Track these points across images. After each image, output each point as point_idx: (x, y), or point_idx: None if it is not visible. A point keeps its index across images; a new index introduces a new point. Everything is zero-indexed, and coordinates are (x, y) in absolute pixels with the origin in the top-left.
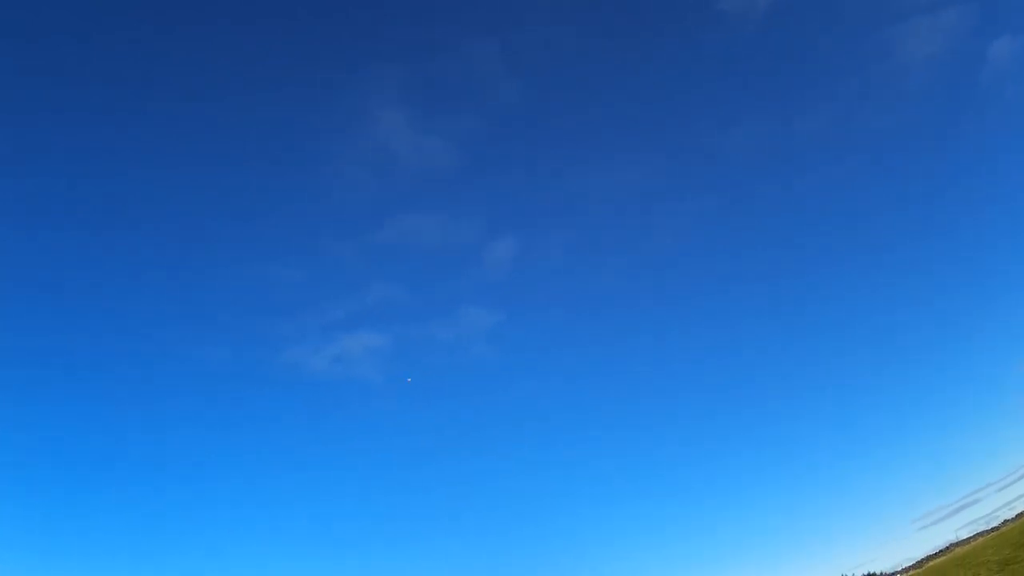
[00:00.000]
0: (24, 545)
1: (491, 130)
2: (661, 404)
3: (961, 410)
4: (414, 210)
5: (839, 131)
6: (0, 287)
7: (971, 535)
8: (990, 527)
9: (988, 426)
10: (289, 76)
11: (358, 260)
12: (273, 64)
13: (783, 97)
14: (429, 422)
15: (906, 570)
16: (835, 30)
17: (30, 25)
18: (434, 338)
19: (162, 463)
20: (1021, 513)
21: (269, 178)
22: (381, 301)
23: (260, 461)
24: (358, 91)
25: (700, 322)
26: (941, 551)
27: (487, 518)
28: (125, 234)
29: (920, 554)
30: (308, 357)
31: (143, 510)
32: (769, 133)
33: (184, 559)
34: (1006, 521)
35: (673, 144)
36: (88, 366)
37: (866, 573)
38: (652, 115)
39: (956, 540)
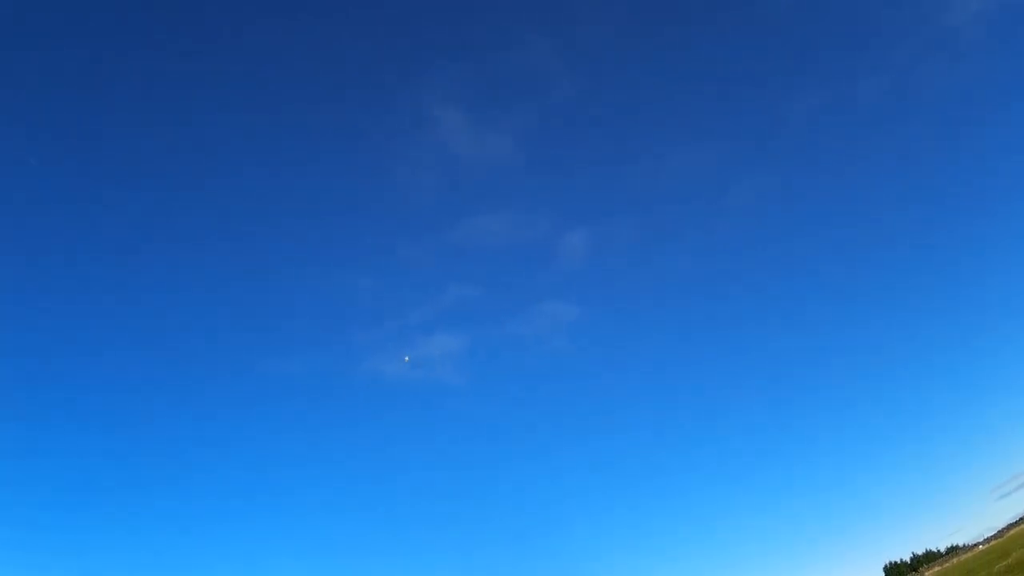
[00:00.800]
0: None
1: (551, 125)
2: (741, 390)
3: None
4: (482, 209)
5: (897, 96)
6: (90, 297)
7: None
8: None
9: None
10: (347, 83)
11: (431, 263)
12: (331, 71)
13: (838, 66)
14: (512, 421)
15: (988, 540)
16: None
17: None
18: (513, 336)
19: (248, 476)
20: None
21: (336, 185)
22: (457, 303)
23: (344, 471)
24: (416, 94)
25: (775, 304)
26: (1022, 519)
27: (574, 515)
28: (201, 250)
29: (1001, 523)
30: (387, 364)
31: (228, 523)
32: (827, 105)
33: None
34: None
35: (734, 124)
36: (168, 383)
37: (949, 546)
38: (709, 96)
39: None
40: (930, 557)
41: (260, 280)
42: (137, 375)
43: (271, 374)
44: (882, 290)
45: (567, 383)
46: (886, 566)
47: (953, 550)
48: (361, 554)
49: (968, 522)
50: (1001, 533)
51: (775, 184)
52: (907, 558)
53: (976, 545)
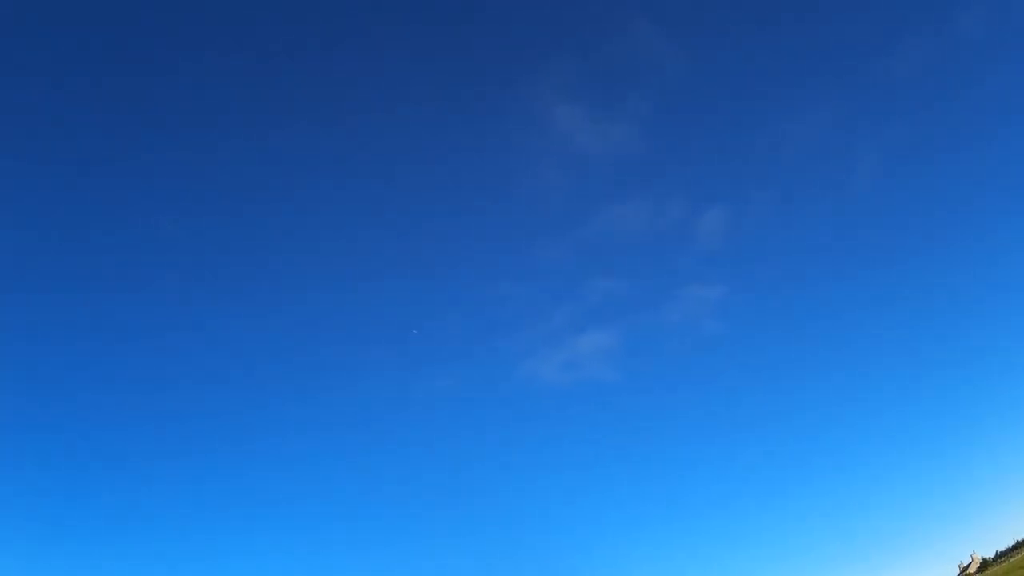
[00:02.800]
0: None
1: (670, 108)
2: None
3: None
4: (614, 200)
5: (998, 34)
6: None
7: None
8: None
9: None
10: (464, 88)
11: (571, 260)
12: (447, 79)
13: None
14: (671, 412)
15: None
16: None
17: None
18: (662, 324)
19: (409, 495)
20: None
21: (464, 192)
22: (602, 297)
23: (507, 481)
24: (532, 93)
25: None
26: None
27: (748, 506)
28: (342, 265)
29: None
30: (540, 368)
31: (390, 547)
32: (929, 49)
33: None
34: None
35: (847, 80)
36: (330, 411)
37: None
38: (819, 56)
39: None
40: None
41: (402, 296)
42: (296, 399)
43: (423, 390)
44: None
45: (722, 365)
46: None
47: None
48: (538, 559)
49: None
50: None
51: (899, 136)
52: None
53: None
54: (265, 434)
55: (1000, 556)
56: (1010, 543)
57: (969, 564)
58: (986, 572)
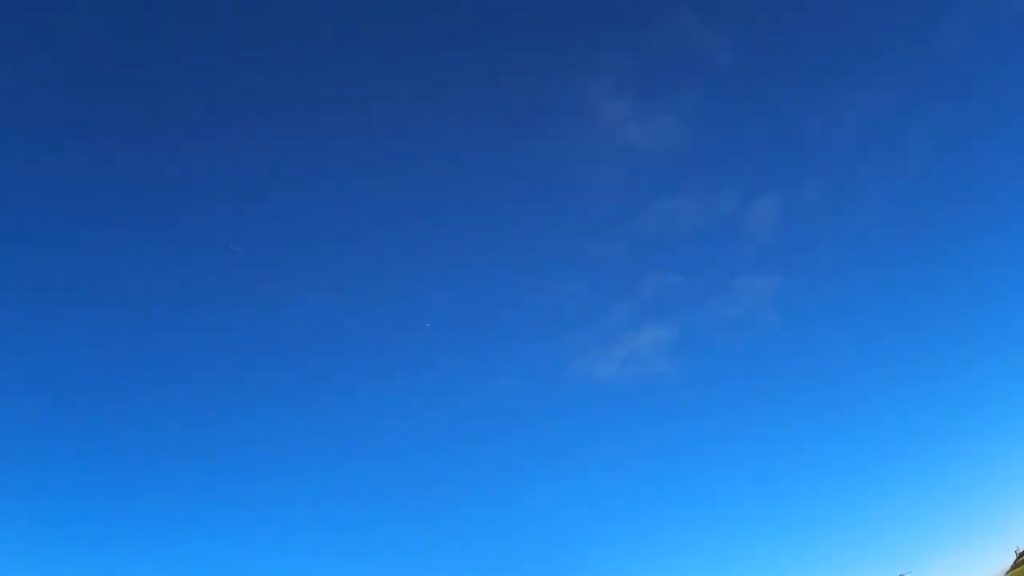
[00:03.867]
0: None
1: (716, 97)
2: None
3: None
4: (665, 193)
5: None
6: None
7: None
8: None
9: None
10: (510, 87)
11: (625, 256)
12: (493, 79)
13: None
14: (732, 406)
15: None
16: None
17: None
18: (719, 316)
19: (468, 498)
20: None
21: (516, 192)
22: (658, 292)
23: (565, 482)
24: (579, 90)
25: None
26: None
27: (802, 506)
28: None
29: None
30: (597, 365)
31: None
32: (978, 22)
33: None
34: None
35: (897, 61)
36: (379, 409)
37: None
38: (866, 36)
39: None
40: None
41: (453, 297)
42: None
43: (480, 391)
44: None
45: (781, 360)
46: None
47: None
48: (597, 559)
49: None
50: None
51: (951, 116)
52: None
53: None
54: (309, 435)
55: None
56: None
57: None
58: None
